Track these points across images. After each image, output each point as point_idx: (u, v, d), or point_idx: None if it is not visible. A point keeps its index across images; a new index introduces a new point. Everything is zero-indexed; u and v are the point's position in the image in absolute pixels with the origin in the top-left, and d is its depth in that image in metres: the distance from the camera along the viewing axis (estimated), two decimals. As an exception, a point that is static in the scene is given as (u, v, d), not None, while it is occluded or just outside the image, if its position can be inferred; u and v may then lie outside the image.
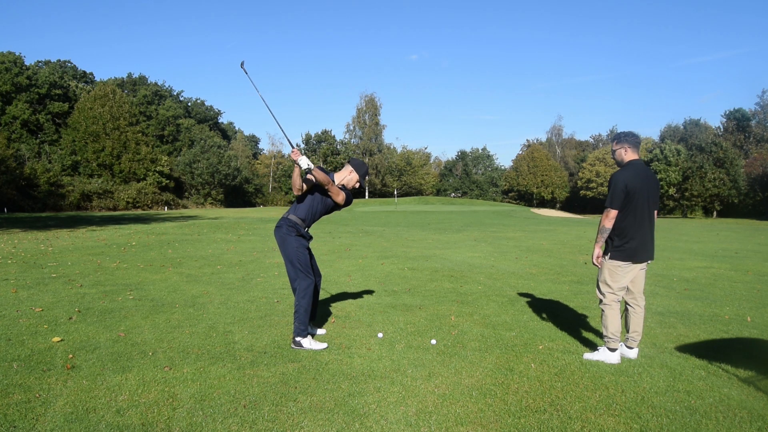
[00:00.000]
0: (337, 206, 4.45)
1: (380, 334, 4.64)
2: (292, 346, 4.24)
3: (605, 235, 4.01)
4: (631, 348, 4.13)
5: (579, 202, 71.66)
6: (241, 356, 4.01)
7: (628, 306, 4.16)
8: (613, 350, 4.00)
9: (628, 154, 4.04)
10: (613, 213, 3.92)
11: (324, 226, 21.66)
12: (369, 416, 3.02)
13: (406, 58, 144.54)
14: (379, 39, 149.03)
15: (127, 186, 51.40)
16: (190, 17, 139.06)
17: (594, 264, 4.11)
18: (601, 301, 4.08)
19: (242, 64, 4.42)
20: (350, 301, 6.14)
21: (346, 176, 4.55)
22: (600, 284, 4.09)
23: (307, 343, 4.24)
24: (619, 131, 4.12)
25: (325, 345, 4.28)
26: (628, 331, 4.15)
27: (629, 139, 4.03)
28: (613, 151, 4.13)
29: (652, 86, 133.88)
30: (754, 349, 4.44)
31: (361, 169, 4.59)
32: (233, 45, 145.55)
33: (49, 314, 5.22)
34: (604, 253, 4.07)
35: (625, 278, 4.01)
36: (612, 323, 3.99)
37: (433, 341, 4.46)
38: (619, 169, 4.07)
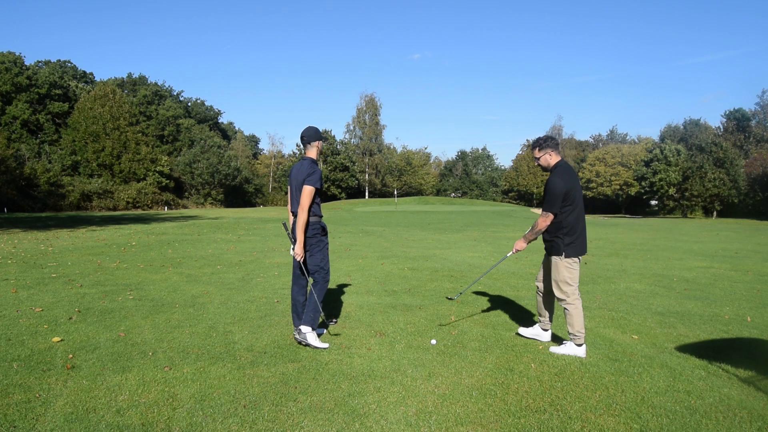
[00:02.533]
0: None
1: (433, 341, 4.47)
2: (296, 336, 4.24)
3: (537, 236, 4.25)
4: (546, 330, 4.49)
5: (579, 202, 71.50)
6: (241, 356, 4.01)
7: (539, 291, 4.43)
8: (580, 345, 4.14)
9: (553, 158, 4.25)
10: (551, 217, 4.10)
11: (324, 226, 21.65)
12: (369, 416, 3.02)
13: (408, 58, 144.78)
14: (379, 39, 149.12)
15: (127, 186, 51.36)
16: (191, 17, 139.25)
17: (514, 252, 4.42)
18: (564, 300, 4.18)
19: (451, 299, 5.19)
20: (350, 301, 6.14)
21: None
22: (561, 285, 4.18)
23: (314, 338, 4.27)
24: (538, 137, 4.33)
25: (327, 345, 4.29)
26: (541, 315, 4.43)
27: (550, 143, 4.24)
28: (537, 158, 4.30)
29: (653, 86, 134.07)
30: (754, 349, 4.44)
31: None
32: (233, 45, 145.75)
33: (49, 314, 5.22)
34: (557, 254, 4.17)
35: (577, 272, 4.19)
36: (578, 320, 4.13)
37: (433, 341, 4.46)
38: (552, 174, 4.21)
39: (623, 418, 3.01)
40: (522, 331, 4.63)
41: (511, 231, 19.77)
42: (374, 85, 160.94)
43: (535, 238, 4.27)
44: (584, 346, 4.16)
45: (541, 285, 4.45)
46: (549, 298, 4.42)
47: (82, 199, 47.25)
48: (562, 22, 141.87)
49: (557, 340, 4.52)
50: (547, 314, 4.47)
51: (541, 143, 4.25)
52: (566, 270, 4.13)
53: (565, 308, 4.17)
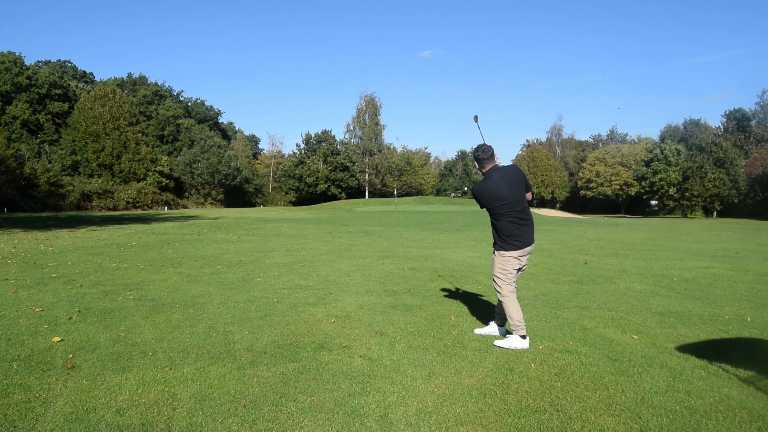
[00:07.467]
0: None
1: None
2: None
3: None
4: (501, 326, 4.71)
5: (579, 202, 71.63)
6: (241, 356, 4.01)
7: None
8: (524, 337, 4.29)
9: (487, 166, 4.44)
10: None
11: (324, 226, 21.67)
12: (369, 416, 3.02)
13: (418, 55, 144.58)
14: (387, 36, 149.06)
15: (127, 186, 51.40)
16: (191, 17, 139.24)
17: None
18: (499, 293, 4.47)
19: (476, 118, 4.95)
20: (350, 301, 6.14)
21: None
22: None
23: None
24: (474, 150, 4.49)
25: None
26: (499, 314, 4.67)
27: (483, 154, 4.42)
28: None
29: (653, 86, 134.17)
30: (754, 349, 4.43)
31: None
32: (233, 45, 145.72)
33: (49, 314, 5.22)
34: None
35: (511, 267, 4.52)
36: (516, 312, 4.36)
37: (477, 330, 4.70)
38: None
39: (623, 418, 3.01)
40: (479, 330, 4.81)
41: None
42: (376, 85, 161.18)
43: None
44: (528, 338, 4.32)
45: None
46: None
47: (82, 199, 47.30)
48: (562, 22, 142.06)
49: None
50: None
51: (482, 158, 4.42)
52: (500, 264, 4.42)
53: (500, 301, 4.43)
